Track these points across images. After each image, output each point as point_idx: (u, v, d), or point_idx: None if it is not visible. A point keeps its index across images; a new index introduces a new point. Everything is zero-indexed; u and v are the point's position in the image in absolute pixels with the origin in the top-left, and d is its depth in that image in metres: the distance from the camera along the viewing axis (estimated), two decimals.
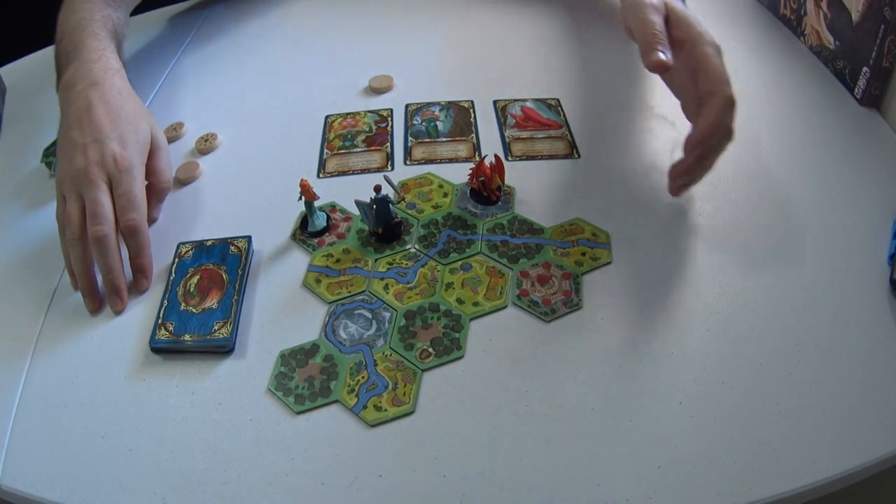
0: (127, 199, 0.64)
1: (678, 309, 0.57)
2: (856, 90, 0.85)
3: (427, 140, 0.75)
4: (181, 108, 0.88)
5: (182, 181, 0.74)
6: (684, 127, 0.76)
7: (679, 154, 0.66)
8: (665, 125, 0.78)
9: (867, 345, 0.53)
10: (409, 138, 0.75)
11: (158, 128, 0.74)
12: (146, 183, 0.70)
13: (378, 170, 0.71)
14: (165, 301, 0.60)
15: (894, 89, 0.82)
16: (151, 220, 0.70)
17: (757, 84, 0.86)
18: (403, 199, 0.66)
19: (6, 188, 0.80)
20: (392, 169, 0.71)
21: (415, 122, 0.77)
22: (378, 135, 0.76)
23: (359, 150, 0.74)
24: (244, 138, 0.80)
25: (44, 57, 0.93)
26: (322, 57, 0.95)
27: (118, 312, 0.61)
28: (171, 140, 0.80)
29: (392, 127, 0.77)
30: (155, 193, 0.71)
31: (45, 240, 0.70)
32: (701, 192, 0.68)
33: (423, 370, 0.51)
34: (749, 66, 0.90)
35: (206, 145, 0.78)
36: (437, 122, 0.77)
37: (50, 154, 0.80)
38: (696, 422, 0.48)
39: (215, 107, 0.87)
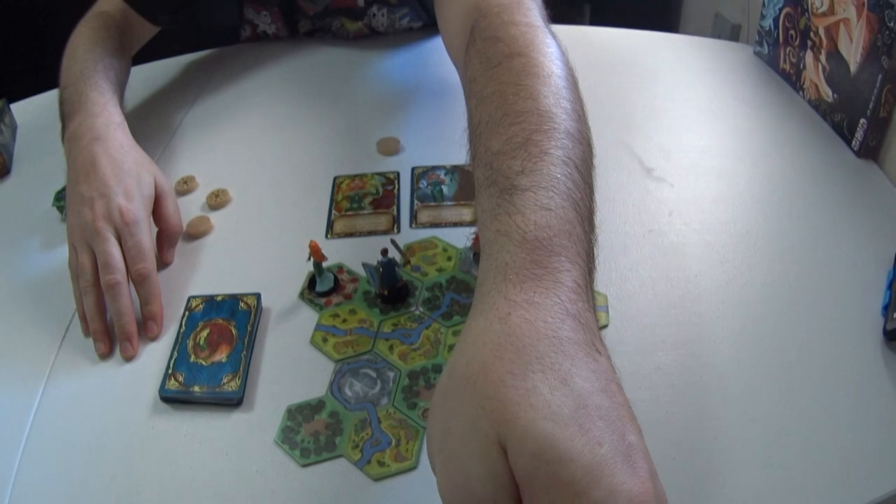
0: (136, 251, 0.71)
1: (674, 368, 0.62)
2: (853, 142, 0.92)
3: (432, 204, 0.81)
4: (192, 161, 0.95)
5: (193, 235, 0.81)
6: (684, 188, 0.83)
7: (678, 216, 0.72)
8: (664, 187, 0.84)
9: (862, 395, 0.59)
10: (415, 201, 0.81)
11: (162, 175, 0.82)
12: (157, 229, 0.77)
13: (384, 232, 0.77)
14: (175, 352, 0.65)
15: (891, 139, 0.89)
16: (165, 264, 0.77)
17: (756, 140, 0.94)
18: (409, 262, 0.72)
19: (19, 227, 0.87)
20: (398, 232, 0.77)
21: (420, 185, 0.84)
22: (385, 197, 0.82)
23: (366, 212, 0.80)
24: (254, 195, 0.86)
25: (54, 97, 1.01)
26: (330, 115, 1.02)
27: (129, 358, 0.67)
28: (181, 194, 0.87)
29: (398, 190, 0.83)
30: (166, 238, 0.78)
31: (56, 281, 0.76)
32: (697, 252, 0.74)
33: (426, 428, 0.56)
34: (749, 122, 0.98)
35: (216, 201, 0.84)
36: (443, 186, 0.84)
37: (61, 198, 0.87)
38: (689, 478, 0.53)
39: (225, 161, 0.94)
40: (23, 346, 0.70)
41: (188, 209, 0.84)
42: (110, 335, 0.69)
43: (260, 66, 1.18)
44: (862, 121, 0.90)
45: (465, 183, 0.84)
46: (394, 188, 0.83)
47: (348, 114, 1.02)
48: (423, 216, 0.79)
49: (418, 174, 0.86)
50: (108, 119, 0.84)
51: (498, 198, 0.50)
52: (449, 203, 0.81)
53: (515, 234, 0.46)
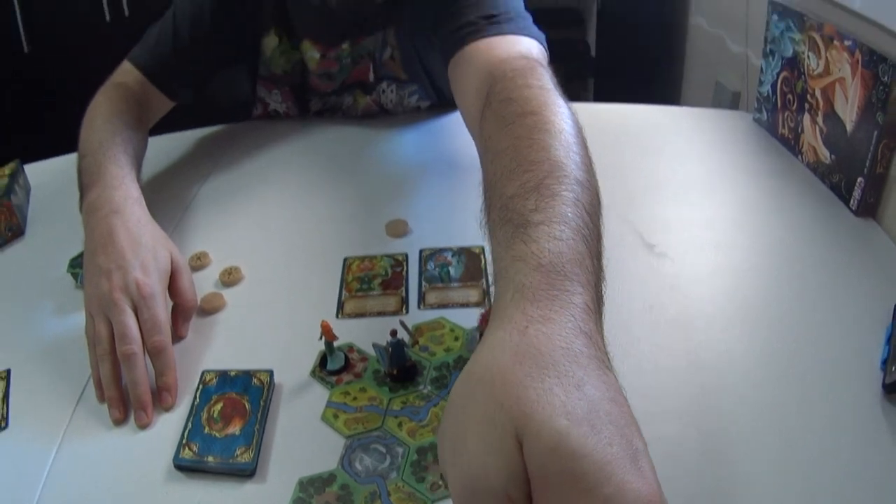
0: (153, 324, 0.75)
1: (676, 438, 0.65)
2: (851, 202, 0.97)
3: (440, 285, 0.85)
4: (205, 237, 0.99)
5: (206, 311, 0.84)
6: (684, 262, 0.87)
7: (679, 290, 0.76)
8: (665, 262, 0.88)
9: (861, 449, 0.62)
10: (423, 283, 0.86)
11: (178, 252, 0.86)
12: (172, 303, 0.81)
13: (394, 313, 0.81)
14: (190, 423, 0.68)
15: (889, 195, 0.93)
16: (180, 338, 0.81)
17: (756, 208, 0.99)
18: (417, 342, 0.76)
19: (33, 289, 0.92)
20: (406, 313, 0.81)
21: (428, 267, 0.88)
22: (394, 279, 0.86)
23: (375, 293, 0.84)
24: (267, 274, 0.90)
25: (68, 162, 1.06)
26: (341, 195, 1.07)
27: (143, 426, 0.70)
28: (195, 269, 0.91)
29: (407, 271, 0.87)
30: (181, 313, 0.82)
31: (70, 345, 0.80)
32: (698, 323, 0.78)
33: (434, 501, 0.59)
34: (749, 191, 1.03)
35: (229, 278, 0.88)
36: (450, 268, 0.88)
37: (76, 266, 0.91)
38: None
39: (238, 238, 0.98)
40: (36, 407, 0.73)
41: (202, 285, 0.88)
42: (125, 402, 0.72)
43: (271, 143, 1.24)
44: (859, 179, 0.95)
45: (472, 265, 0.88)
46: (402, 270, 0.88)
47: (358, 194, 1.07)
48: (431, 297, 0.83)
49: (426, 256, 0.90)
50: (126, 193, 0.89)
51: (513, 231, 0.55)
52: (456, 284, 0.85)
53: (531, 260, 0.51)
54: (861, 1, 1.03)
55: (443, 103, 1.31)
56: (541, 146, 0.64)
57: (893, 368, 0.67)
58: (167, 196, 1.08)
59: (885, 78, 0.89)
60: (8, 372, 0.78)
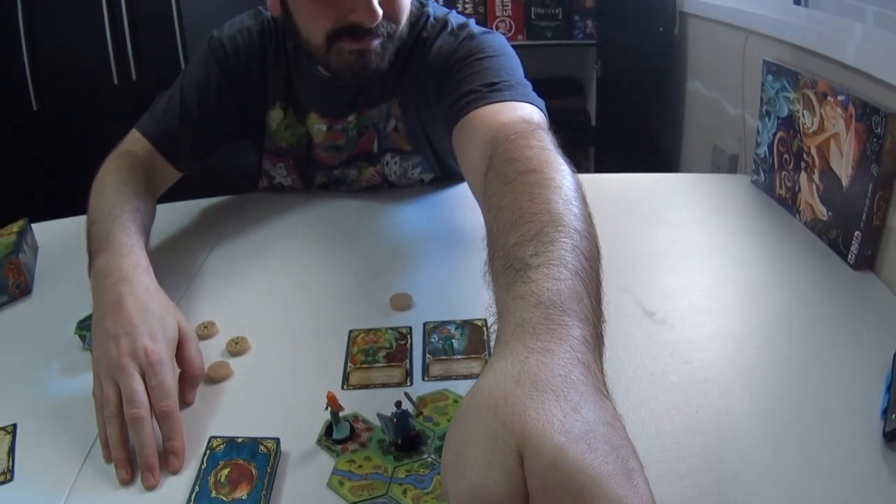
0: (160, 389, 0.78)
1: (677, 501, 0.67)
2: (849, 256, 1.01)
3: (443, 357, 0.89)
4: (212, 306, 1.04)
5: (213, 379, 0.88)
6: (684, 328, 0.91)
7: (679, 356, 0.81)
8: (665, 329, 0.92)
9: (863, 497, 0.65)
10: (427, 355, 0.90)
11: (185, 320, 0.90)
12: (179, 371, 0.84)
13: (398, 385, 0.85)
14: (197, 486, 0.71)
15: (886, 245, 0.98)
16: (187, 404, 0.84)
17: (755, 270, 1.04)
18: (421, 413, 0.80)
19: (40, 348, 0.96)
20: (411, 384, 0.85)
21: (432, 339, 0.92)
22: (398, 351, 0.90)
23: (380, 365, 0.88)
24: (273, 344, 0.94)
25: (75, 224, 1.11)
26: (345, 267, 1.12)
27: (150, 488, 0.73)
28: (202, 338, 0.95)
29: (411, 344, 0.91)
30: (188, 380, 0.85)
31: (77, 405, 0.83)
32: (698, 388, 0.81)
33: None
34: (747, 253, 1.09)
35: (236, 348, 0.92)
36: (453, 340, 0.92)
37: (84, 328, 0.95)
38: None
39: (244, 309, 1.03)
40: (43, 462, 0.76)
41: (209, 354, 0.91)
42: (132, 463, 0.75)
43: (277, 215, 1.29)
44: (856, 233, 0.99)
45: (475, 337, 0.92)
46: (406, 343, 0.92)
47: (362, 266, 1.12)
48: (435, 369, 0.87)
49: (430, 329, 0.94)
50: (135, 262, 0.94)
51: (514, 275, 0.60)
52: (459, 357, 0.89)
53: (531, 298, 0.55)
54: (855, 55, 1.08)
55: (446, 176, 1.37)
56: (541, 200, 0.69)
57: (893, 416, 0.71)
58: (174, 265, 1.13)
59: (878, 129, 0.94)
60: (14, 426, 0.81)
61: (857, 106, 1.00)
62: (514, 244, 0.64)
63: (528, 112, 0.99)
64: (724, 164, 1.80)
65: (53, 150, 2.39)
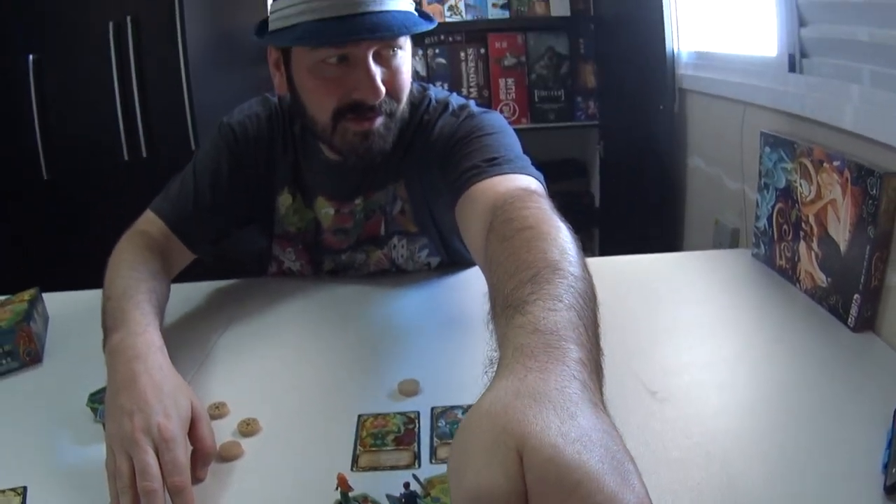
0: (173, 465, 0.80)
1: None
2: (849, 320, 1.04)
3: (450, 440, 0.91)
4: (223, 387, 1.06)
5: (225, 458, 0.90)
6: (686, 405, 0.93)
7: (680, 432, 0.83)
8: (667, 407, 0.94)
9: None
10: (435, 439, 0.92)
11: (198, 399, 0.92)
12: (191, 449, 0.86)
13: (406, 467, 0.86)
14: None
15: (885, 305, 1.00)
16: (198, 481, 0.86)
17: (756, 343, 1.06)
18: (429, 494, 0.81)
19: (50, 418, 0.99)
20: (419, 467, 0.87)
21: (440, 424, 0.94)
22: (406, 435, 0.92)
23: (389, 448, 0.90)
24: (284, 427, 0.96)
25: (86, 298, 1.14)
26: (354, 353, 1.15)
27: None
28: (213, 418, 0.97)
29: (419, 428, 0.94)
30: (200, 458, 0.87)
31: (89, 474, 0.85)
32: (699, 462, 0.83)
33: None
34: (748, 327, 1.12)
35: (247, 428, 0.95)
36: (460, 424, 0.95)
37: (96, 401, 0.98)
38: None
39: (255, 391, 1.05)
40: None
41: (220, 433, 0.93)
42: None
43: (286, 300, 1.33)
44: (856, 296, 1.02)
45: None
46: (414, 427, 0.94)
47: (370, 351, 1.15)
48: (443, 452, 0.89)
49: (437, 414, 0.96)
50: (150, 341, 0.97)
51: (512, 311, 0.63)
52: None
53: (528, 326, 0.59)
54: (852, 118, 1.12)
55: (452, 261, 1.41)
56: (538, 250, 0.74)
57: (894, 471, 0.73)
58: (186, 345, 1.16)
59: (874, 191, 0.97)
60: (24, 489, 0.83)
61: (852, 170, 1.03)
62: (512, 289, 0.68)
63: (526, 182, 1.04)
64: (725, 239, 1.83)
65: (63, 220, 2.44)
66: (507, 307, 0.66)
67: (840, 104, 1.22)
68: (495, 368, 0.59)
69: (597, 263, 1.38)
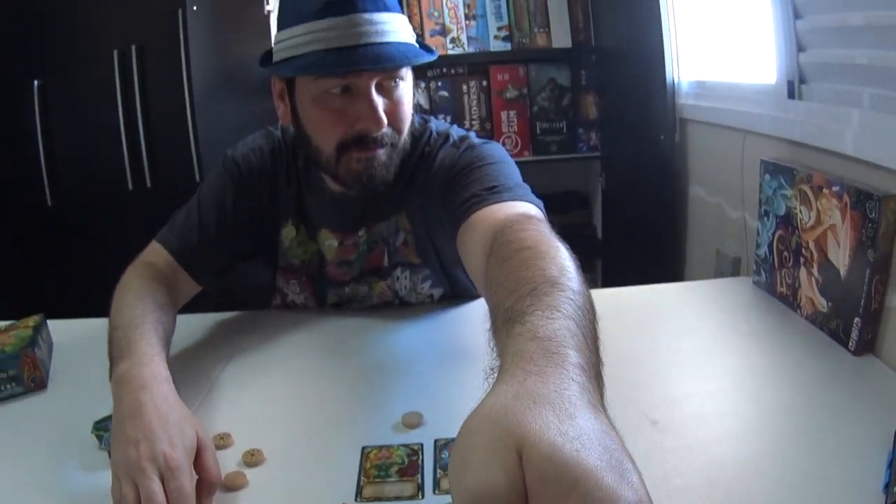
0: (178, 493, 0.81)
1: None
2: (850, 343, 1.04)
3: None
4: (228, 417, 1.07)
5: (229, 488, 0.90)
6: (687, 434, 0.93)
7: (682, 461, 0.84)
8: (668, 436, 0.94)
9: None
10: (438, 470, 0.92)
11: (203, 429, 0.93)
12: (197, 478, 0.87)
13: (410, 498, 0.86)
14: None
15: (885, 328, 1.00)
16: None
17: (758, 371, 1.07)
18: None
19: (55, 444, 0.99)
20: (422, 497, 0.87)
21: (443, 455, 0.94)
22: (410, 466, 0.92)
23: (392, 479, 0.90)
24: (288, 458, 0.96)
25: (91, 326, 1.14)
26: (358, 385, 1.15)
27: None
28: (218, 448, 0.97)
29: (422, 460, 0.94)
30: (205, 487, 0.87)
31: (93, 501, 0.86)
32: (702, 490, 0.83)
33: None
34: (750, 355, 1.12)
35: (252, 459, 0.95)
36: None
37: (101, 428, 0.99)
38: None
39: (259, 422, 1.05)
40: None
41: (225, 463, 0.93)
42: None
43: (290, 332, 1.33)
44: (856, 320, 1.02)
45: None
46: (418, 458, 0.94)
47: (374, 383, 1.15)
48: (446, 483, 0.89)
49: (441, 445, 0.97)
50: (156, 371, 0.98)
51: (511, 323, 0.64)
52: None
53: (527, 334, 0.60)
54: (853, 143, 1.13)
55: (454, 293, 1.42)
56: (536, 268, 0.75)
57: (895, 490, 0.74)
58: (190, 376, 1.17)
59: (873, 214, 0.98)
60: None
61: (851, 195, 1.04)
62: (511, 304, 0.69)
63: (525, 207, 1.06)
64: (726, 267, 1.83)
65: (67, 247, 2.44)
66: (506, 320, 0.67)
67: (839, 129, 1.23)
68: (496, 375, 0.59)
69: (600, 295, 1.38)
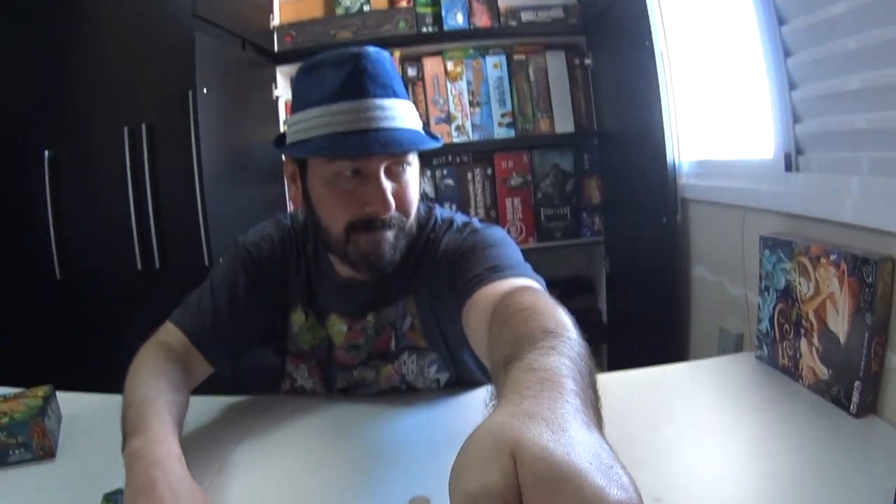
0: None
1: None
2: (851, 407, 1.05)
3: None
4: (237, 498, 1.07)
5: None
6: None
7: None
8: None
9: None
10: None
11: None
12: None
13: None
14: None
15: (885, 388, 1.01)
16: None
17: (761, 445, 1.07)
18: None
19: None
20: None
21: None
22: None
23: None
24: None
25: (101, 401, 1.14)
26: (366, 469, 1.15)
27: None
28: None
29: None
30: None
31: None
32: None
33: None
34: (753, 429, 1.12)
35: None
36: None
37: (111, 501, 1.00)
38: None
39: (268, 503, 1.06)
40: None
41: None
42: None
43: (299, 416, 1.34)
44: (857, 383, 1.03)
45: None
46: None
47: (382, 469, 1.15)
48: None
49: None
50: (168, 450, 1.00)
51: (510, 364, 0.68)
52: None
53: (524, 367, 0.64)
54: (853, 213, 1.15)
55: (461, 379, 1.43)
56: (534, 322, 0.79)
57: None
58: (201, 456, 1.17)
59: (870, 279, 1.00)
60: None
61: (848, 261, 1.06)
62: (509, 352, 0.72)
63: (526, 282, 1.09)
64: (729, 344, 1.84)
65: (75, 320, 2.45)
66: (505, 364, 0.70)
67: (837, 198, 1.26)
68: (495, 403, 0.63)
69: (606, 379, 1.39)
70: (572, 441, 0.51)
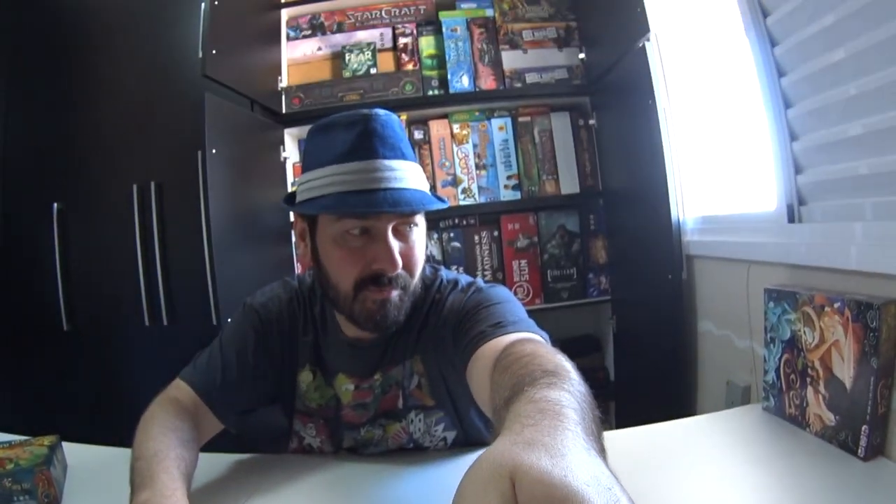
0: None
1: None
2: (859, 451, 1.04)
3: None
4: None
5: None
6: None
7: None
8: None
9: None
10: None
11: None
12: None
13: None
14: None
15: (893, 429, 1.02)
16: None
17: (771, 489, 1.08)
18: None
19: None
20: None
21: None
22: None
23: None
24: None
25: (106, 454, 1.14)
26: None
27: None
28: None
29: None
30: None
31: None
32: None
33: None
34: (762, 477, 1.12)
35: None
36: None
37: None
38: None
39: None
40: None
41: None
42: None
43: (306, 475, 1.35)
44: (864, 427, 1.03)
45: None
46: None
47: None
48: None
49: None
50: None
51: (511, 401, 0.69)
52: None
53: (524, 399, 0.66)
54: (857, 259, 1.17)
55: (468, 438, 1.44)
56: (535, 365, 0.81)
57: None
58: None
59: (874, 324, 1.01)
60: None
61: (851, 308, 1.07)
62: (510, 393, 0.74)
63: (528, 334, 1.11)
64: (737, 397, 1.84)
65: (82, 373, 2.46)
66: (506, 403, 0.72)
67: (839, 246, 1.27)
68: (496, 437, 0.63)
69: (614, 436, 1.41)
70: (570, 464, 0.52)
